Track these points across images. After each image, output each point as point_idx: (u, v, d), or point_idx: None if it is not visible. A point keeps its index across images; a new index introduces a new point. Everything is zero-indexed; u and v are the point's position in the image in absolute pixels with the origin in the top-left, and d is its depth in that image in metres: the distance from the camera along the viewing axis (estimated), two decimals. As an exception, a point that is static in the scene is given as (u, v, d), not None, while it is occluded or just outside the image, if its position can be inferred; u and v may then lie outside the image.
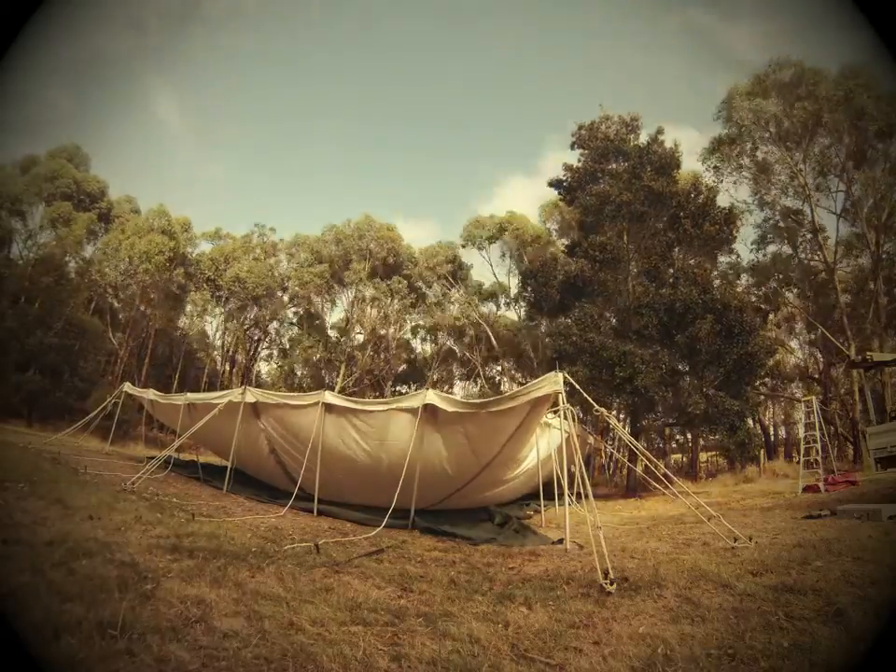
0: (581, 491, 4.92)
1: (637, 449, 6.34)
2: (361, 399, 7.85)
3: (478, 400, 6.94)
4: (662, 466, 6.40)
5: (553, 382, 5.91)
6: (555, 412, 6.53)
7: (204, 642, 2.47)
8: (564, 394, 5.88)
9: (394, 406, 7.35)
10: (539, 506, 8.99)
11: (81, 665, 2.10)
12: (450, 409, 6.73)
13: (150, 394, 11.89)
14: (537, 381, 6.36)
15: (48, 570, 3.01)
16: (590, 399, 6.13)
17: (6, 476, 5.73)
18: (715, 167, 20.17)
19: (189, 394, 10.82)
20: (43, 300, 21.28)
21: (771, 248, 21.50)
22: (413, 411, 6.93)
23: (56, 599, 2.63)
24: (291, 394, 8.56)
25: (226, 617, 2.81)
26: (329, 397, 7.67)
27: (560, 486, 6.76)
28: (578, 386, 6.22)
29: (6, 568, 2.97)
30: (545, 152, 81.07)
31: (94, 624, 2.40)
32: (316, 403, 7.67)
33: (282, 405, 8.34)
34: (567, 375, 6.16)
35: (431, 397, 6.78)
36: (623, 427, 26.70)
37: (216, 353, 31.65)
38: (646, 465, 12.94)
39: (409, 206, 70.74)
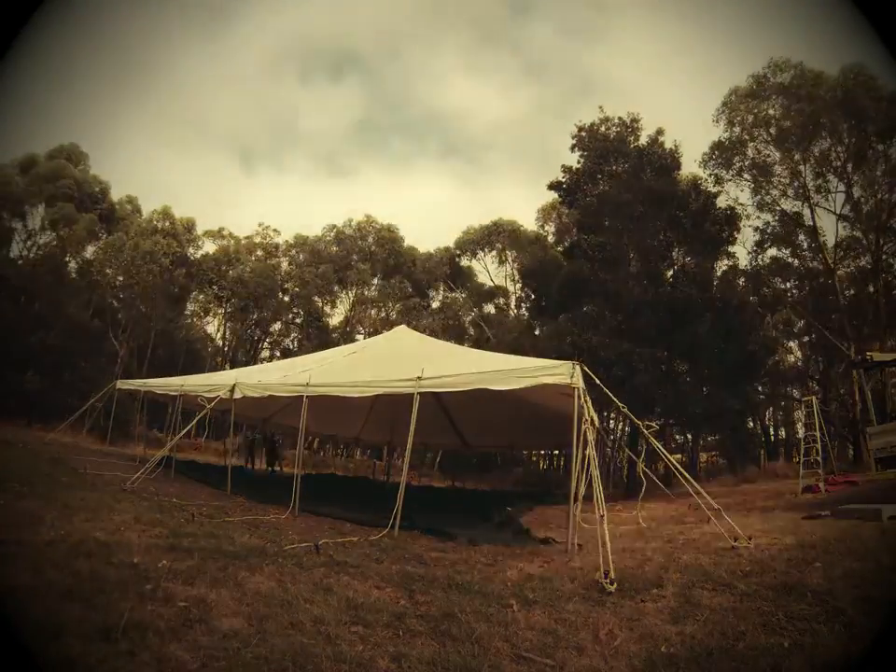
0: (595, 491, 4.89)
1: (657, 447, 6.29)
2: (348, 383, 7.83)
3: (478, 373, 6.70)
4: (673, 463, 6.32)
5: (570, 374, 5.60)
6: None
7: (204, 642, 2.47)
8: (583, 389, 5.59)
9: (378, 391, 7.37)
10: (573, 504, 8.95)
11: (81, 665, 2.10)
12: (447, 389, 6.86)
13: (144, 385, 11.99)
14: (548, 364, 6.09)
15: (48, 570, 3.01)
16: (612, 397, 5.79)
17: (5, 476, 5.73)
18: (715, 175, 20.01)
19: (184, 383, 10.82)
20: (43, 300, 21.27)
21: (771, 250, 21.44)
22: (406, 396, 6.88)
23: (56, 599, 2.64)
24: (276, 383, 8.62)
25: (226, 617, 2.81)
26: (313, 388, 7.76)
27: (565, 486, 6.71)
28: (598, 381, 5.85)
29: (6, 568, 2.97)
30: (547, 155, 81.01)
31: (94, 625, 2.40)
32: (300, 395, 7.84)
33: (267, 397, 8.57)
34: (586, 369, 5.80)
35: (425, 382, 6.68)
36: (622, 428, 26.77)
37: (216, 353, 31.67)
38: (653, 466, 12.92)
39: (408, 209, 70.65)
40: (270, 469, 15.23)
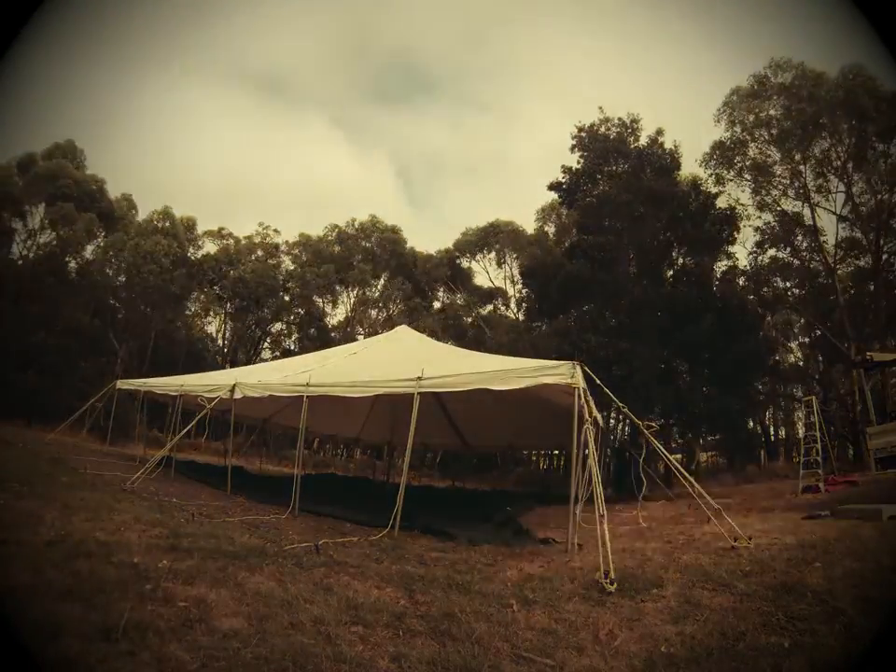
0: (595, 491, 4.89)
1: (658, 448, 6.31)
2: (348, 383, 7.86)
3: (479, 373, 6.72)
4: (673, 463, 6.35)
5: (570, 374, 5.64)
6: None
7: (204, 642, 2.47)
8: (584, 389, 5.61)
9: (378, 391, 7.39)
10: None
11: (81, 665, 2.11)
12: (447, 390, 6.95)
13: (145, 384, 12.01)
14: (548, 364, 6.10)
15: (48, 570, 3.01)
16: (612, 396, 5.88)
17: (5, 476, 5.73)
18: (716, 174, 19.97)
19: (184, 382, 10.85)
20: (43, 300, 21.27)
21: (771, 250, 21.41)
22: (406, 395, 6.89)
23: (56, 599, 2.64)
24: (276, 383, 8.63)
25: (226, 617, 2.81)
26: (313, 389, 7.77)
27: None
28: (598, 381, 5.87)
29: (6, 568, 2.97)
30: (546, 155, 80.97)
31: (94, 625, 2.40)
32: (300, 395, 7.86)
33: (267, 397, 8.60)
34: (586, 368, 5.82)
35: (425, 382, 6.68)
36: (622, 428, 26.76)
37: (217, 353, 31.66)
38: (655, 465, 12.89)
39: (409, 209, 70.48)
40: None
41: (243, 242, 31.15)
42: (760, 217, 20.43)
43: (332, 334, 30.69)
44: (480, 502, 11.69)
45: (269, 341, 32.98)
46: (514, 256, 30.14)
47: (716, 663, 2.56)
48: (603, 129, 20.26)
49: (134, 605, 2.70)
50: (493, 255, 31.13)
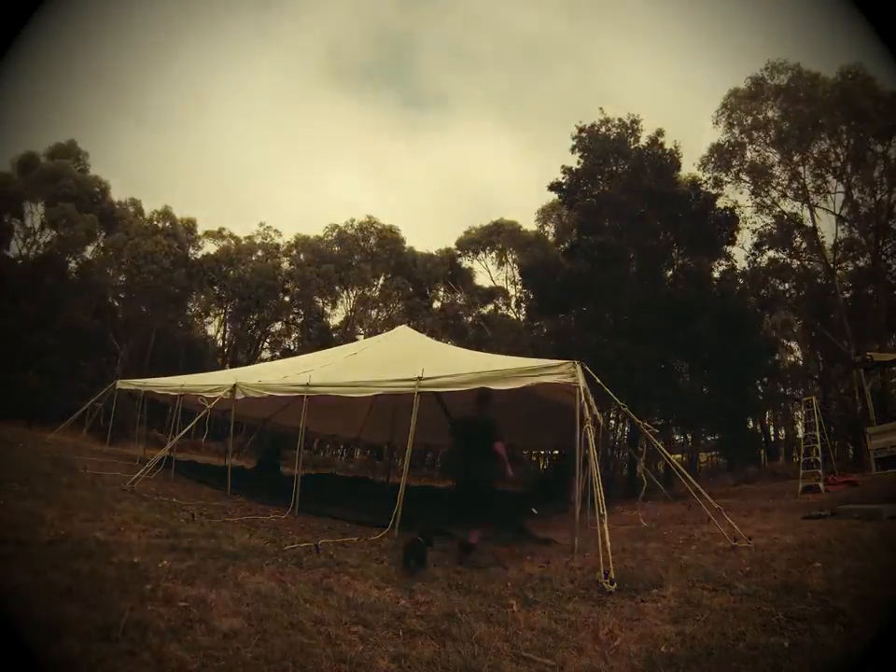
0: (595, 491, 4.90)
1: (657, 447, 6.32)
2: (348, 383, 7.85)
3: (479, 372, 6.67)
4: (673, 463, 6.37)
5: (571, 373, 5.64)
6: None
7: (204, 642, 2.47)
8: (585, 389, 5.60)
9: (378, 391, 7.38)
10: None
11: (81, 665, 2.11)
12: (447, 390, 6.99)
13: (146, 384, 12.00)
14: (549, 363, 6.12)
15: (48, 570, 3.01)
16: (613, 396, 5.87)
17: (5, 476, 5.73)
18: (714, 177, 20.01)
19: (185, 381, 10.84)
20: (43, 300, 21.28)
21: (770, 252, 21.39)
22: (406, 395, 6.89)
23: (56, 599, 2.64)
24: (276, 383, 8.62)
25: (226, 617, 2.81)
26: (313, 389, 7.77)
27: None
28: (598, 380, 5.87)
29: (6, 568, 2.97)
30: (546, 156, 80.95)
31: (94, 625, 2.40)
32: (300, 395, 7.84)
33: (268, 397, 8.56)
34: (586, 367, 5.81)
35: (425, 382, 6.71)
36: (622, 428, 26.76)
37: (217, 353, 31.66)
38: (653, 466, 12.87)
39: (409, 211, 70.45)
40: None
41: (243, 242, 31.17)
42: (755, 222, 20.47)
43: (332, 334, 30.68)
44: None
45: (269, 341, 32.97)
46: (514, 257, 30.18)
47: (716, 663, 2.56)
48: (603, 129, 20.28)
49: (134, 605, 2.70)
50: (494, 254, 31.20)
